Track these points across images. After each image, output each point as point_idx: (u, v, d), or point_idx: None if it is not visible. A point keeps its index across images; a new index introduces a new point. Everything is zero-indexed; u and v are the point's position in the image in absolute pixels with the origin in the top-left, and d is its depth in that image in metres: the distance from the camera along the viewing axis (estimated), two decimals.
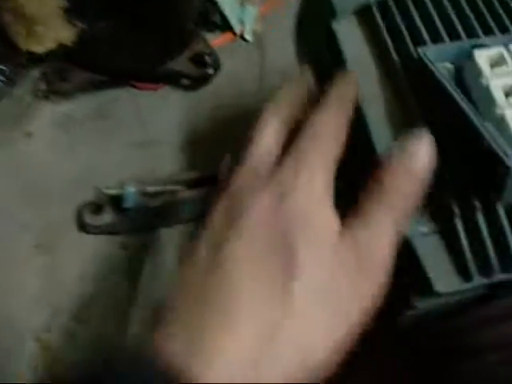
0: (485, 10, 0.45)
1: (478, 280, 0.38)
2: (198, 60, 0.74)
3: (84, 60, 0.73)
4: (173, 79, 0.74)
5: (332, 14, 0.48)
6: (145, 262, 0.65)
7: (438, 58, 0.42)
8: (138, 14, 0.69)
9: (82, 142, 0.72)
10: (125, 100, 0.76)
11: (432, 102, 0.41)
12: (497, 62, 0.41)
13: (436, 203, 0.40)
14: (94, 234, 0.65)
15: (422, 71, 0.42)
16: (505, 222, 0.38)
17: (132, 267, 0.64)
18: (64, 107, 0.74)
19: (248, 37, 0.77)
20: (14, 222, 0.66)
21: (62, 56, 0.72)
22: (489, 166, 0.36)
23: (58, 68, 0.73)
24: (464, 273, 0.38)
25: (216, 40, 0.77)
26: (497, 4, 0.46)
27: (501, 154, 0.35)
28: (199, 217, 0.66)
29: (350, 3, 0.48)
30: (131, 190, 0.64)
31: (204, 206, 0.66)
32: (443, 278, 0.38)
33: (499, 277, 0.38)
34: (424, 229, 0.40)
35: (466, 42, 0.43)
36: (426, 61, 0.41)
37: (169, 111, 0.74)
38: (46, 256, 0.64)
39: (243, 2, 0.78)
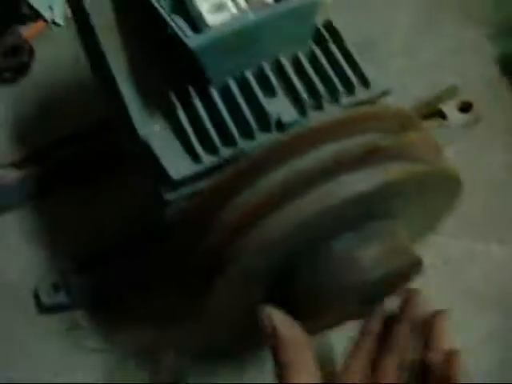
0: None
1: (207, 160, 0.41)
2: (13, 52, 0.76)
3: None
4: None
5: None
6: None
7: None
8: None
9: None
10: None
11: None
12: None
13: (163, 100, 0.43)
14: None
15: None
16: (219, 102, 0.41)
17: None
18: None
19: (59, 21, 0.78)
20: None
21: None
22: (178, 51, 0.39)
23: None
24: (194, 156, 0.41)
25: (28, 31, 0.78)
26: None
27: (182, 36, 0.38)
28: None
29: None
30: None
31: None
32: (177, 165, 0.41)
33: (224, 152, 0.41)
34: (156, 127, 0.42)
35: None
36: None
37: None
38: None
39: None
